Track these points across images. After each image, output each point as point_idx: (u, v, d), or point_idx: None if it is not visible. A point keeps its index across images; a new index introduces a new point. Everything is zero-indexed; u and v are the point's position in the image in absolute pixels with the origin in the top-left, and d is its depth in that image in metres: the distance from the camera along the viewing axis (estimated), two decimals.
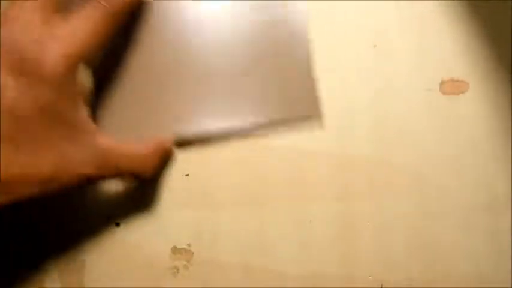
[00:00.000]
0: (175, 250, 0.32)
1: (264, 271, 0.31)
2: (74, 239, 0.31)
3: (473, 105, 0.31)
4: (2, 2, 0.26)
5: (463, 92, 0.31)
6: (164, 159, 0.30)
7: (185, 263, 0.32)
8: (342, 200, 0.31)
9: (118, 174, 0.26)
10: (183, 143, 0.31)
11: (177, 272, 0.32)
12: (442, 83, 0.31)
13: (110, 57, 0.30)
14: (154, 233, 0.31)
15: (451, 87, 0.31)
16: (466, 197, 0.31)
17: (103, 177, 0.26)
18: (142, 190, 0.31)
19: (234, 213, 0.32)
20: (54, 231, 0.31)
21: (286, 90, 0.30)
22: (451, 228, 0.31)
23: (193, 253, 0.32)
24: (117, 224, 0.32)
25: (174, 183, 0.31)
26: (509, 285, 0.31)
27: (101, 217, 0.31)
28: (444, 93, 0.31)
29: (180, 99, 0.29)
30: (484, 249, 0.31)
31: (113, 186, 0.31)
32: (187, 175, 0.32)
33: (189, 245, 0.32)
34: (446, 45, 0.31)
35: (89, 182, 0.25)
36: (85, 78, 0.29)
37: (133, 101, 0.30)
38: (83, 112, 0.25)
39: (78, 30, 0.24)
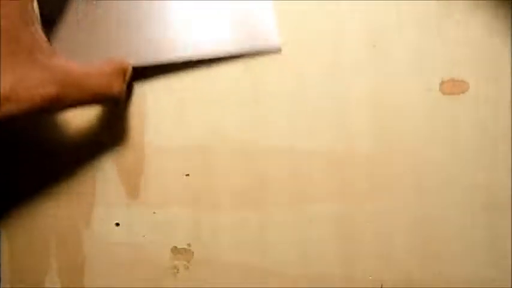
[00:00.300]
0: (175, 250, 0.32)
1: (264, 271, 0.31)
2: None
3: (473, 105, 0.31)
4: None
5: (463, 92, 0.31)
6: (126, 78, 0.28)
7: (185, 263, 0.32)
8: (342, 200, 0.31)
9: (84, 94, 0.26)
10: (139, 70, 0.30)
11: (177, 272, 0.32)
12: (442, 83, 0.31)
13: None
14: (154, 233, 0.31)
15: (451, 87, 0.31)
16: (466, 197, 0.31)
17: (70, 99, 0.25)
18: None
19: (234, 213, 0.32)
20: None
21: (245, 21, 0.29)
22: (451, 228, 0.31)
23: (193, 253, 0.32)
24: (117, 224, 0.32)
25: (174, 183, 0.31)
26: (509, 285, 0.31)
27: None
28: (444, 93, 0.31)
29: (140, 26, 0.29)
30: (484, 249, 0.31)
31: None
32: (187, 175, 0.32)
33: (189, 245, 0.32)
34: (446, 45, 0.31)
35: (57, 104, 0.25)
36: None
37: (90, 32, 0.29)
38: (40, 35, 0.24)
39: None
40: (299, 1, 0.32)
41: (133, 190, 0.32)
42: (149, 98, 0.32)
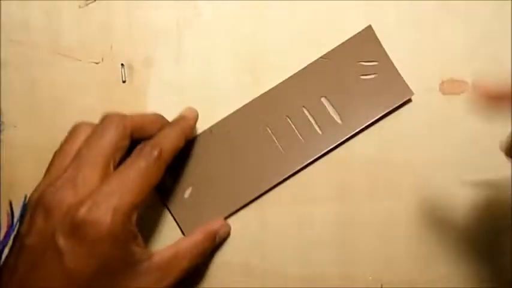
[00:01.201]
0: None
1: (264, 271, 0.31)
2: None
3: (473, 105, 0.31)
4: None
5: (463, 92, 0.31)
6: (213, 242, 0.30)
7: None
8: (342, 200, 0.31)
9: (184, 272, 0.28)
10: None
11: None
12: (442, 83, 0.31)
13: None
14: (154, 232, 0.31)
15: (451, 87, 0.31)
16: (465, 197, 0.31)
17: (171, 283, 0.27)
18: None
19: (235, 213, 0.32)
20: None
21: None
22: (451, 228, 0.31)
23: None
24: None
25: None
26: (509, 286, 0.31)
27: None
28: (444, 93, 0.31)
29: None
30: (484, 250, 0.31)
31: None
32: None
33: None
34: (446, 45, 0.31)
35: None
36: None
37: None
38: (138, 249, 0.26)
39: (127, 184, 0.25)
40: (297, 1, 0.32)
41: None
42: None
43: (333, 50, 0.31)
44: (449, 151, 0.31)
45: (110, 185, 0.25)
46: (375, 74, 0.31)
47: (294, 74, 0.31)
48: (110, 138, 0.26)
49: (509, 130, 0.31)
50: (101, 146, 0.26)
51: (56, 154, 0.27)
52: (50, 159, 0.27)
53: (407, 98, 0.31)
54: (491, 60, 0.31)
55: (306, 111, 0.31)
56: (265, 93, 0.31)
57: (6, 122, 0.32)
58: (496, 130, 0.31)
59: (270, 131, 0.31)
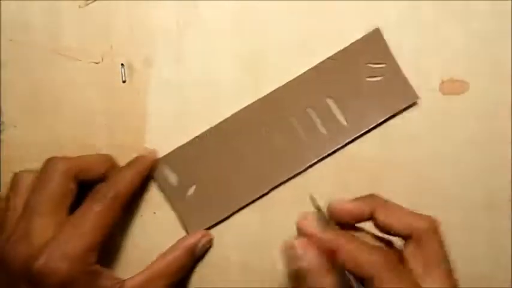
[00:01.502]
0: None
1: (264, 271, 0.31)
2: None
3: (473, 105, 0.31)
4: None
5: (463, 92, 0.31)
6: (192, 256, 0.30)
7: None
8: None
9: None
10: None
11: None
12: (442, 83, 0.31)
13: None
14: (154, 232, 0.31)
15: (451, 87, 0.31)
16: (465, 197, 0.31)
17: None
18: None
19: (237, 212, 0.32)
20: None
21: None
22: (451, 228, 0.31)
23: None
24: None
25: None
26: (509, 285, 0.31)
27: None
28: (444, 93, 0.31)
29: None
30: (484, 249, 0.31)
31: None
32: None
33: None
34: (446, 45, 0.31)
35: None
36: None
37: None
38: (106, 282, 0.26)
39: (82, 229, 0.25)
40: (298, 1, 0.32)
41: None
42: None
43: (340, 51, 0.31)
44: (449, 151, 0.31)
45: (64, 233, 0.25)
46: (381, 76, 0.31)
47: (301, 74, 0.31)
48: (55, 184, 0.26)
49: (510, 130, 0.31)
50: (47, 193, 0.26)
51: (6, 208, 0.27)
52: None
53: (412, 102, 0.31)
54: (491, 60, 0.31)
55: (311, 112, 0.31)
56: (271, 92, 0.31)
57: (6, 122, 0.32)
58: (496, 130, 0.31)
59: (275, 131, 0.31)
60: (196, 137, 0.31)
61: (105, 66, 0.32)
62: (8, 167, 0.32)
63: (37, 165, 0.30)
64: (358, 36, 0.31)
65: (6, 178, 0.32)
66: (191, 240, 0.30)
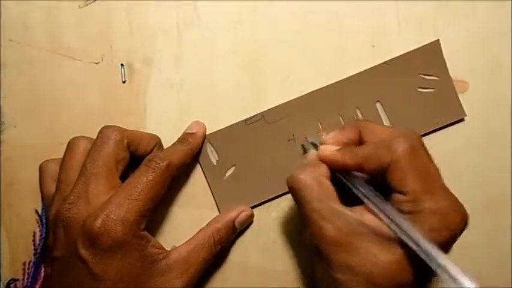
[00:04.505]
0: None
1: (264, 271, 0.31)
2: None
3: (473, 105, 0.31)
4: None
5: (462, 92, 0.31)
6: (231, 230, 0.31)
7: None
8: None
9: (206, 262, 0.29)
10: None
11: None
12: None
13: None
14: (154, 232, 0.31)
15: None
16: (465, 197, 0.31)
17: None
18: None
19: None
20: None
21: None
22: None
23: None
24: None
25: (175, 183, 0.31)
26: (509, 285, 0.31)
27: None
28: None
29: None
30: (484, 249, 0.31)
31: None
32: (188, 175, 0.32)
33: None
34: (446, 45, 0.31)
35: None
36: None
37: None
38: (153, 250, 0.27)
39: (135, 195, 0.27)
40: (298, 1, 0.32)
41: None
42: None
43: (396, 57, 0.31)
44: (449, 151, 0.31)
45: (119, 197, 0.27)
46: (433, 88, 0.31)
47: (355, 74, 0.31)
48: (110, 150, 0.28)
49: (509, 130, 0.31)
50: (103, 158, 0.28)
51: (61, 170, 0.29)
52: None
53: (459, 118, 0.31)
54: (491, 60, 0.31)
55: (358, 112, 0.31)
56: (323, 88, 0.31)
57: (6, 122, 0.32)
58: (496, 130, 0.31)
59: (320, 126, 0.31)
60: (243, 120, 0.31)
61: (105, 66, 0.32)
62: (8, 167, 0.32)
63: (37, 165, 0.30)
64: (357, 35, 0.31)
65: (7, 178, 0.32)
66: (232, 214, 0.31)
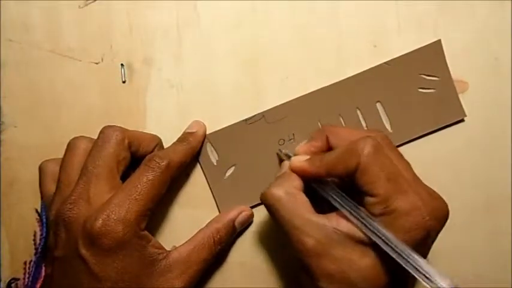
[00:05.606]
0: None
1: (264, 271, 0.31)
2: None
3: (473, 105, 0.31)
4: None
5: (462, 92, 0.31)
6: (231, 229, 0.31)
7: None
8: None
9: (206, 262, 0.29)
10: None
11: None
12: None
13: None
14: (154, 232, 0.31)
15: None
16: (465, 197, 0.31)
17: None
18: None
19: None
20: None
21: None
22: (451, 229, 0.31)
23: None
24: None
25: (174, 183, 0.31)
26: (509, 285, 0.31)
27: None
28: None
29: None
30: (484, 249, 0.31)
31: None
32: (187, 174, 0.32)
33: None
34: (446, 45, 0.31)
35: None
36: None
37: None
38: (153, 250, 0.27)
39: (135, 195, 0.27)
40: (297, 1, 0.32)
41: None
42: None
43: (397, 58, 0.31)
44: (449, 151, 0.31)
45: (119, 197, 0.27)
46: (433, 89, 0.31)
47: (355, 74, 0.31)
48: (112, 150, 0.28)
49: (509, 130, 0.31)
50: (104, 158, 0.28)
51: (61, 170, 0.29)
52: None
53: (459, 119, 0.31)
54: (491, 60, 0.31)
55: (359, 113, 0.31)
56: (323, 88, 0.31)
57: (6, 122, 0.32)
58: (495, 130, 0.31)
59: (320, 126, 0.31)
60: (244, 120, 0.31)
61: (105, 66, 0.32)
62: (8, 167, 0.32)
63: (37, 165, 0.30)
64: (358, 35, 0.31)
65: (7, 178, 0.32)
66: (232, 214, 0.31)
